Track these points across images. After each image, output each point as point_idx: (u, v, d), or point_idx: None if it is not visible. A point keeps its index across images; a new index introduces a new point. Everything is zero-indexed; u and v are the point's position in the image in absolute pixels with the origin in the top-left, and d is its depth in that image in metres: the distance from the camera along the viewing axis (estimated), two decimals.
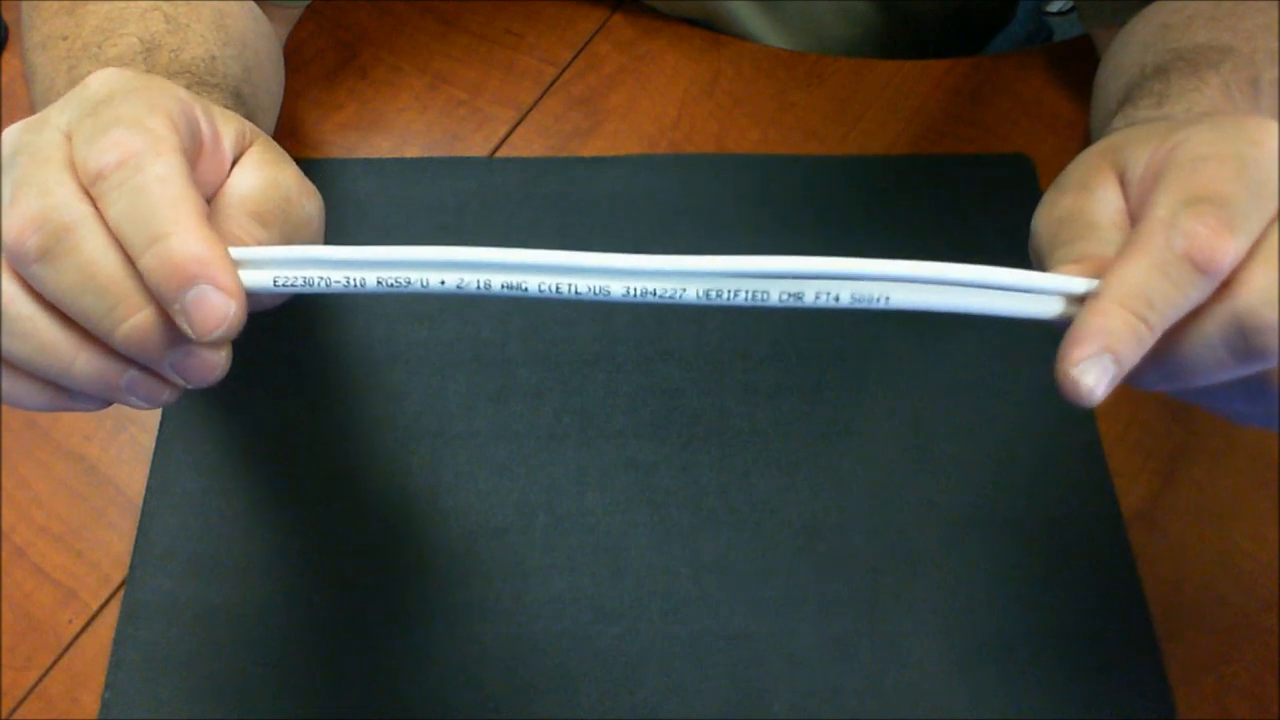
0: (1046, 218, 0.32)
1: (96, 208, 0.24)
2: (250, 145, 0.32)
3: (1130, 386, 0.28)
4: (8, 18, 0.63)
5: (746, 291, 0.26)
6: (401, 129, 0.58)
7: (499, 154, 0.58)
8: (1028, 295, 0.27)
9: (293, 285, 0.25)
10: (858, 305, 0.26)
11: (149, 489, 0.48)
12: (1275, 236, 0.26)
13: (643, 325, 0.52)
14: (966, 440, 0.49)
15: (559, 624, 0.45)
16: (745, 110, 0.59)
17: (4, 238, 0.24)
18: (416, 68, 0.61)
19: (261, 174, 0.30)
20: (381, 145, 0.58)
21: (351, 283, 0.25)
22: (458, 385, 0.50)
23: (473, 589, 0.46)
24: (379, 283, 0.25)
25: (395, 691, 0.44)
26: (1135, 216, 0.29)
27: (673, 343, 0.51)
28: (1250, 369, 0.27)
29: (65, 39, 0.40)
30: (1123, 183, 0.31)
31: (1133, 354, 0.27)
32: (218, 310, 0.24)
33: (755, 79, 0.60)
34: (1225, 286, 0.27)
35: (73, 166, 0.25)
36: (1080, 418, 0.49)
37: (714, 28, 0.63)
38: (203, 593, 0.45)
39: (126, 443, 0.50)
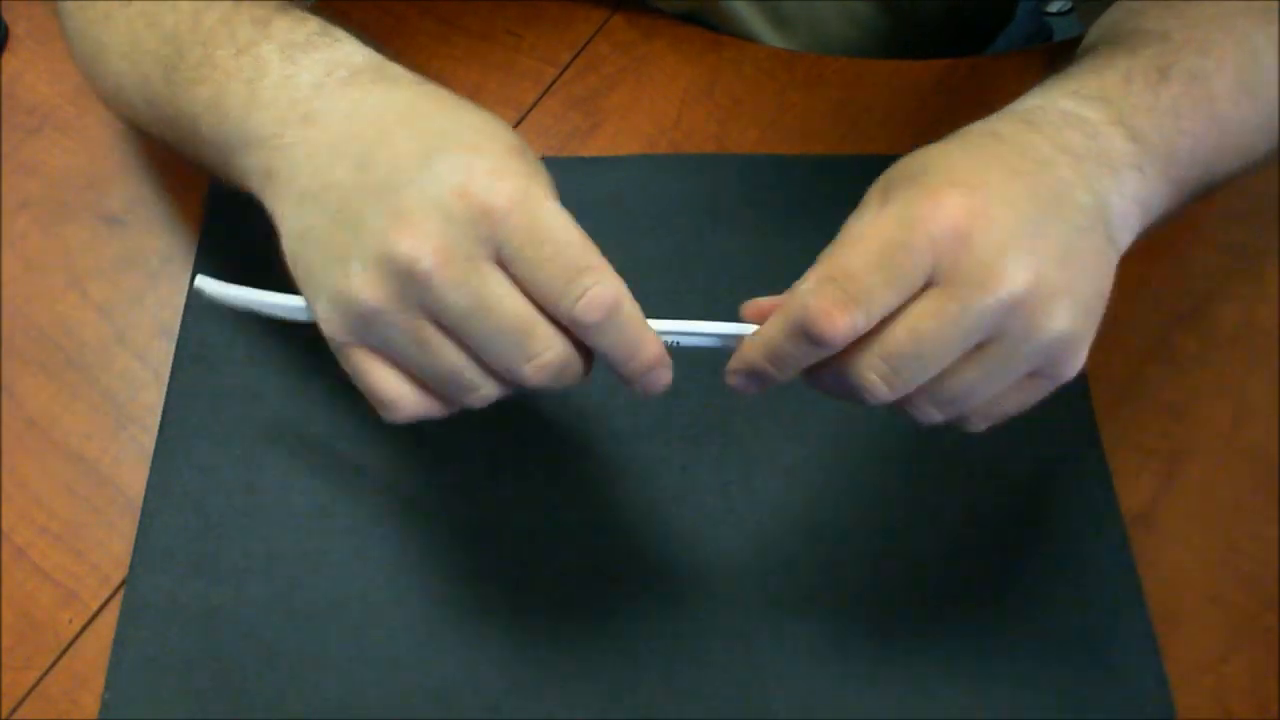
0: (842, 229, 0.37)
1: (576, 332, 0.34)
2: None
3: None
4: (8, 17, 0.63)
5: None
6: None
7: None
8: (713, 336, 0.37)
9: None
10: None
11: (149, 489, 0.48)
12: (907, 314, 0.33)
13: None
14: (967, 440, 0.48)
15: (559, 623, 0.45)
16: (745, 110, 0.59)
17: (528, 384, 0.34)
18: (416, 68, 0.61)
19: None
20: None
21: None
22: None
23: (473, 588, 0.46)
24: None
25: (395, 691, 0.44)
26: None
27: None
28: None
29: None
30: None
31: (771, 380, 0.35)
32: (663, 384, 0.35)
33: (755, 79, 0.60)
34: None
35: (539, 310, 0.33)
36: (1080, 418, 0.49)
37: (714, 28, 0.63)
38: (203, 593, 0.45)
39: (126, 443, 0.50)
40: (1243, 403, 0.50)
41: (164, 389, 0.50)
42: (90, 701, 0.44)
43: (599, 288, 0.33)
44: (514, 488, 0.48)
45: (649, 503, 0.47)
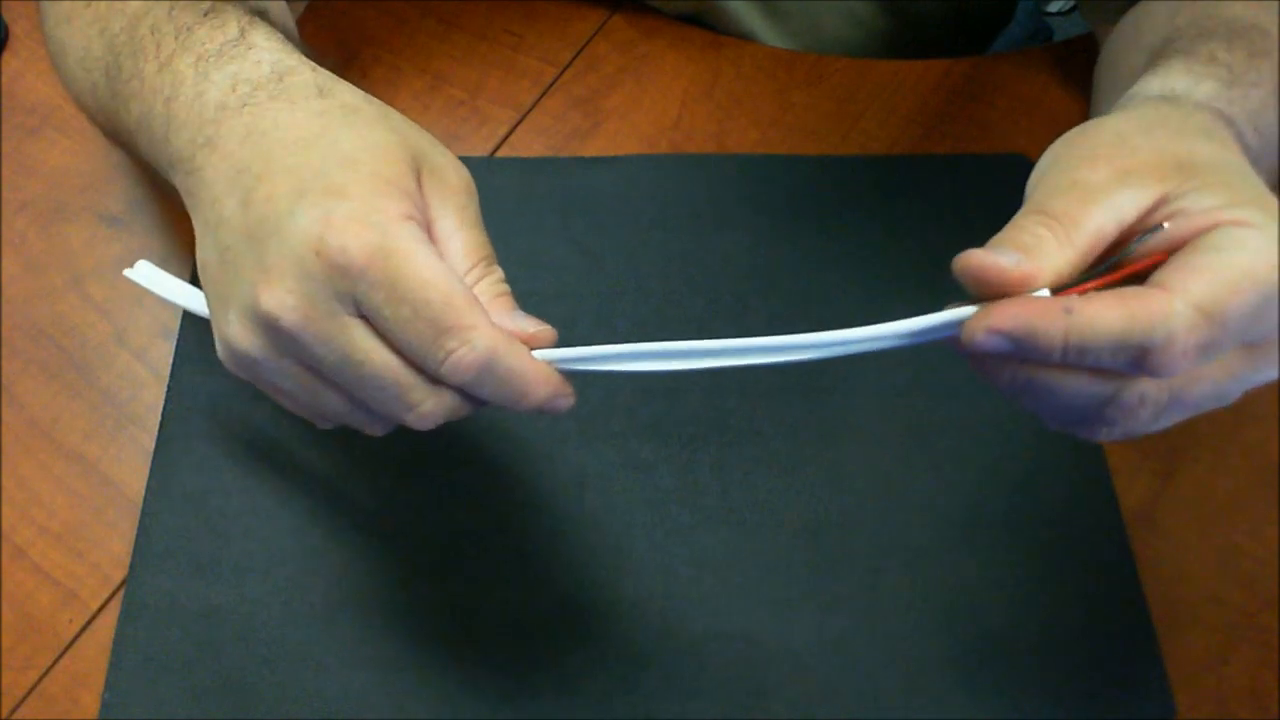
0: (1065, 159, 0.33)
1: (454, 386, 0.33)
2: (427, 186, 0.35)
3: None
4: (8, 17, 0.63)
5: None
6: None
7: (499, 154, 0.58)
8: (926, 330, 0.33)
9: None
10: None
11: (149, 489, 0.48)
12: (1238, 355, 0.30)
13: (643, 327, 0.52)
14: (966, 440, 0.49)
15: (559, 624, 0.45)
16: (745, 110, 0.59)
17: (417, 428, 0.34)
18: (416, 68, 0.61)
19: (466, 223, 0.36)
20: None
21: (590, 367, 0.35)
22: None
23: (473, 589, 0.46)
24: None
25: (395, 691, 0.44)
26: (1139, 229, 0.31)
27: None
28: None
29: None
30: (1163, 198, 0.31)
31: (1042, 354, 0.29)
32: (564, 407, 0.34)
33: (755, 79, 0.60)
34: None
35: (415, 369, 0.33)
36: None
37: (714, 28, 0.63)
38: (203, 593, 0.45)
39: (126, 443, 0.50)
40: (1242, 403, 0.50)
41: (164, 389, 0.50)
42: (90, 701, 0.44)
43: (463, 350, 0.32)
44: (514, 488, 0.48)
45: (649, 503, 0.47)
